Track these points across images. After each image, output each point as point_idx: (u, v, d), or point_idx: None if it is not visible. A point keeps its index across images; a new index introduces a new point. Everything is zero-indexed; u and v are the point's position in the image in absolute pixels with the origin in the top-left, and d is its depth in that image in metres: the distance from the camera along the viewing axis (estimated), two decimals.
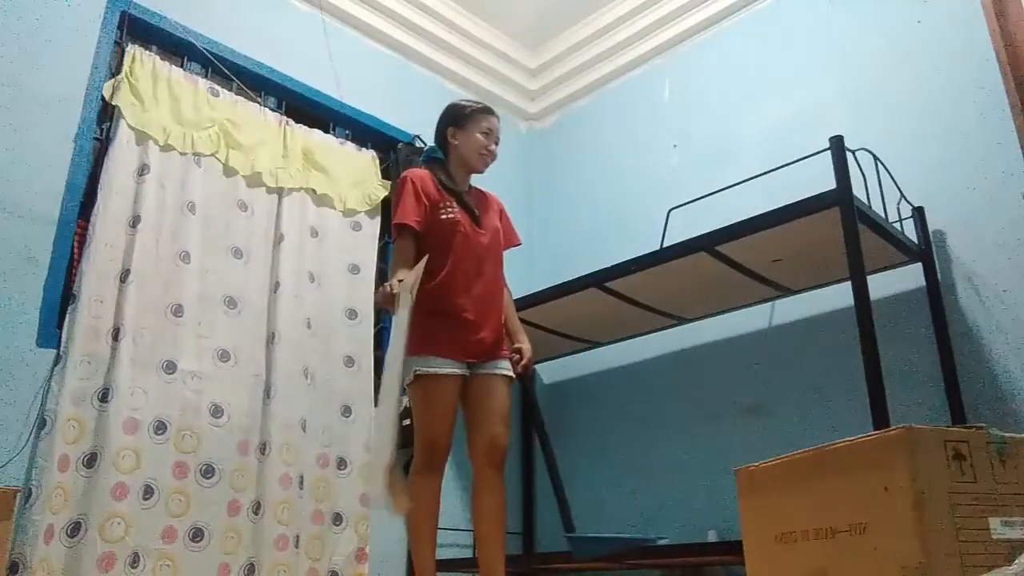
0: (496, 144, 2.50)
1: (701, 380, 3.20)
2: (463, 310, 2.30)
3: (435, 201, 2.37)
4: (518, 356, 2.41)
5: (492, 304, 2.39)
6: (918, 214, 2.67)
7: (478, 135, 2.45)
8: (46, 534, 2.22)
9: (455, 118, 2.49)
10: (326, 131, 3.40)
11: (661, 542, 2.64)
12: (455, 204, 2.39)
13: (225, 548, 2.57)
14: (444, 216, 2.35)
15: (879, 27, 3.03)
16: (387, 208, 3.50)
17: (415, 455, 2.26)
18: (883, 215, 2.45)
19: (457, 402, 2.28)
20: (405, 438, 3.16)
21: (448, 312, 2.29)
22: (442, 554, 3.22)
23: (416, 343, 2.21)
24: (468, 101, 2.59)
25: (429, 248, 2.30)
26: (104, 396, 2.44)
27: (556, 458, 2.46)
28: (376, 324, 3.32)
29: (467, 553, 3.15)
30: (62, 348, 2.42)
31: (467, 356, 2.30)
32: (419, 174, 2.43)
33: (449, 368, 2.24)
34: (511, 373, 2.37)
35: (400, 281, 2.15)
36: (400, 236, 2.34)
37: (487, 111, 2.51)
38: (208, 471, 2.60)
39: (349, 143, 3.48)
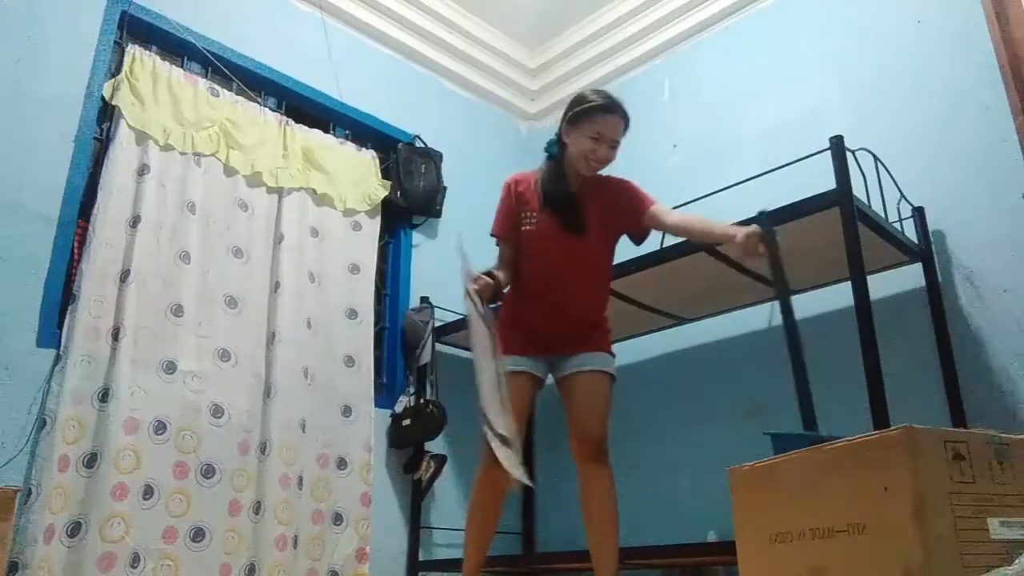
0: (611, 148, 2.27)
1: (701, 380, 3.20)
2: (534, 323, 2.28)
3: (524, 208, 2.32)
4: (744, 242, 2.07)
5: (572, 312, 2.30)
6: (918, 214, 2.67)
7: (587, 138, 2.24)
8: (46, 534, 2.22)
9: (570, 113, 2.30)
10: (326, 131, 3.40)
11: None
12: (541, 212, 2.30)
13: (225, 548, 2.56)
14: (525, 227, 2.31)
15: (879, 27, 3.03)
16: (387, 208, 3.50)
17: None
18: (883, 215, 2.45)
19: (526, 399, 2.25)
20: (400, 439, 3.19)
21: (519, 325, 2.28)
22: (444, 554, 3.24)
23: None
24: (592, 94, 2.30)
25: (520, 254, 2.32)
26: (104, 396, 2.44)
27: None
28: (376, 324, 3.32)
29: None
30: (62, 348, 2.42)
31: (541, 352, 2.27)
32: (517, 179, 2.38)
33: (517, 367, 2.21)
34: (600, 368, 2.28)
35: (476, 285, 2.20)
36: (498, 243, 2.37)
37: (605, 109, 2.25)
38: (208, 471, 2.60)
39: (349, 143, 3.48)
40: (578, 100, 2.30)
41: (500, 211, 2.38)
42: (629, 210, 2.35)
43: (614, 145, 2.28)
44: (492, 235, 2.37)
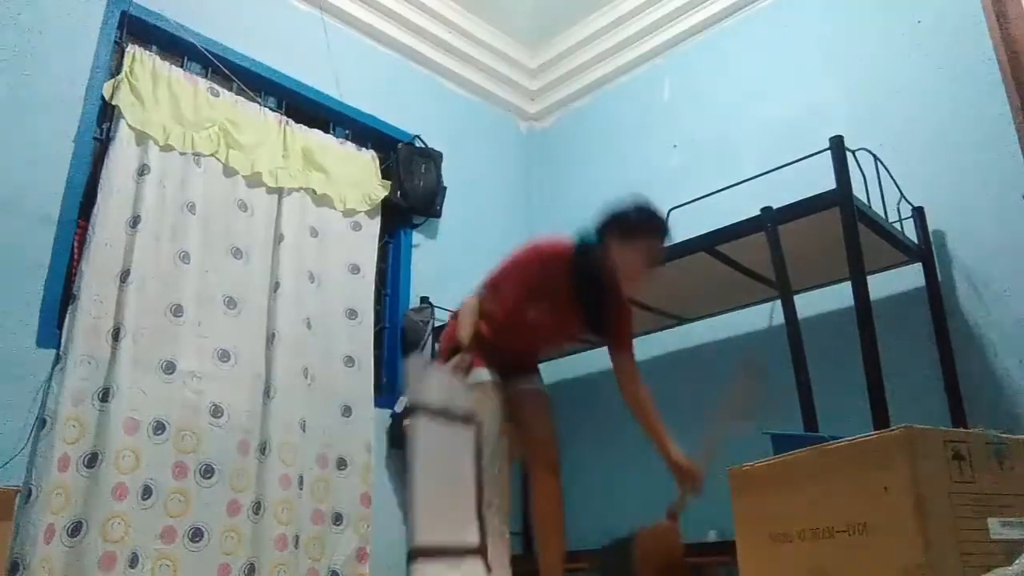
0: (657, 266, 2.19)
1: (701, 380, 3.20)
2: (502, 349, 2.32)
3: (547, 281, 2.23)
4: (683, 475, 2.26)
5: (533, 349, 2.52)
6: (918, 214, 2.67)
7: (643, 258, 2.15)
8: (46, 534, 2.22)
9: (622, 228, 2.15)
10: (326, 131, 3.40)
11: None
12: (564, 294, 2.24)
13: (225, 548, 2.56)
14: (540, 297, 2.25)
15: (879, 27, 3.03)
16: (387, 208, 3.50)
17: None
18: (883, 215, 2.45)
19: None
20: (400, 439, 3.18)
21: (490, 347, 2.32)
22: None
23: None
24: (643, 211, 2.17)
25: (514, 299, 2.28)
26: (104, 396, 2.44)
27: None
28: (376, 324, 3.32)
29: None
30: (62, 348, 2.42)
31: (498, 369, 2.32)
32: (546, 253, 2.26)
33: (494, 377, 2.31)
34: (541, 387, 2.47)
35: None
36: (499, 290, 2.32)
37: (661, 233, 2.17)
38: (208, 471, 2.60)
39: (349, 143, 3.47)
40: (629, 218, 2.17)
41: (522, 273, 2.27)
42: (609, 325, 2.36)
43: (662, 263, 2.24)
44: (493, 284, 2.32)
